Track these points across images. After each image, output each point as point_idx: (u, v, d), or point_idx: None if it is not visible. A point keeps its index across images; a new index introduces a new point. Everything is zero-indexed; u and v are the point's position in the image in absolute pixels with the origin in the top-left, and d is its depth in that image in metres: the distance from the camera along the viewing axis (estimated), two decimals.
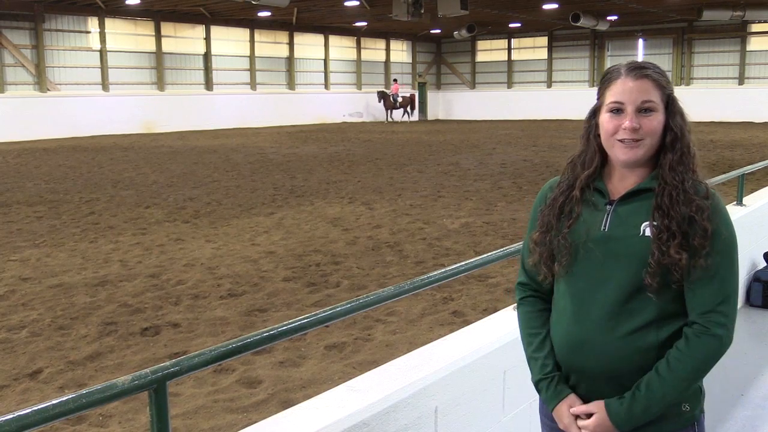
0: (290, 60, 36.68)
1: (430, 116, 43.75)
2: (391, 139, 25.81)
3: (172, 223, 9.97)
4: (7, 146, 23.34)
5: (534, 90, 41.00)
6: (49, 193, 12.89)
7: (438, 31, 39.55)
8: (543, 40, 40.93)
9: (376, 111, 39.39)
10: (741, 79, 35.56)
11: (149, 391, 1.72)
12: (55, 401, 1.57)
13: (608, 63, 36.95)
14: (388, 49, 42.01)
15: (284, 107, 35.79)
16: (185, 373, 1.81)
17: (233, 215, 10.56)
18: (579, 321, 1.88)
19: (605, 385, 1.86)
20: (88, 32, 29.12)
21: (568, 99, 37.53)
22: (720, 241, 1.77)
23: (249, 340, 1.99)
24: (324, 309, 2.27)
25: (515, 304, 2.26)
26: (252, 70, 34.96)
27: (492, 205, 11.19)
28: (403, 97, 38.26)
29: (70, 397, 1.60)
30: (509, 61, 42.15)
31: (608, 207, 1.87)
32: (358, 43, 40.13)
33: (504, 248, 3.16)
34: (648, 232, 1.80)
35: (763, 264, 6.24)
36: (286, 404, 4.08)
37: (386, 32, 40.35)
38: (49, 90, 27.69)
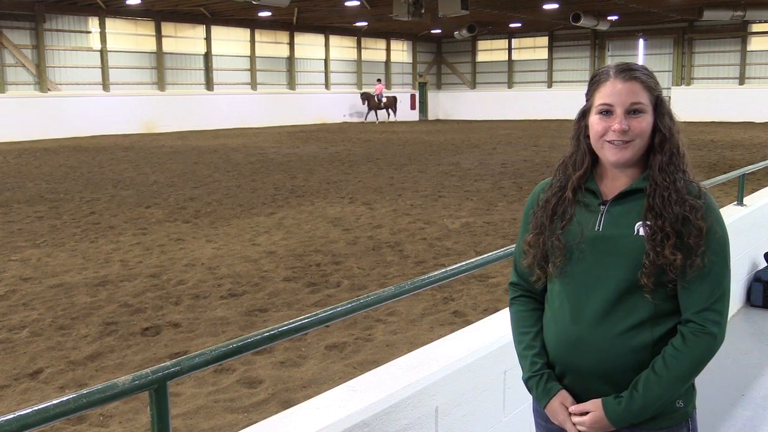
0: (291, 60, 36.69)
1: (431, 116, 43.77)
2: (391, 139, 25.81)
3: (173, 223, 9.98)
4: (8, 146, 23.34)
5: (534, 90, 41.00)
6: (49, 193, 12.89)
7: (438, 31, 39.56)
8: (543, 40, 40.94)
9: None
10: (741, 79, 35.55)
11: (150, 391, 1.73)
12: (55, 401, 1.57)
13: (609, 63, 36.86)
14: (388, 49, 42.03)
15: (285, 107, 35.81)
16: (186, 373, 1.81)
17: (234, 215, 10.56)
18: (574, 320, 1.89)
19: (600, 383, 1.87)
20: (89, 32, 29.13)
21: (568, 99, 37.33)
22: (714, 240, 1.79)
23: (249, 340, 1.99)
24: (324, 309, 2.27)
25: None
26: (252, 70, 34.96)
27: (492, 205, 11.20)
28: (387, 97, 38.33)
29: (71, 397, 1.60)
30: (510, 61, 42.16)
31: (602, 207, 1.89)
32: (359, 43, 40.14)
33: (504, 248, 3.16)
34: (642, 232, 1.81)
35: (763, 264, 6.23)
36: (287, 404, 4.08)
37: (387, 32, 40.36)
38: (49, 90, 27.69)
